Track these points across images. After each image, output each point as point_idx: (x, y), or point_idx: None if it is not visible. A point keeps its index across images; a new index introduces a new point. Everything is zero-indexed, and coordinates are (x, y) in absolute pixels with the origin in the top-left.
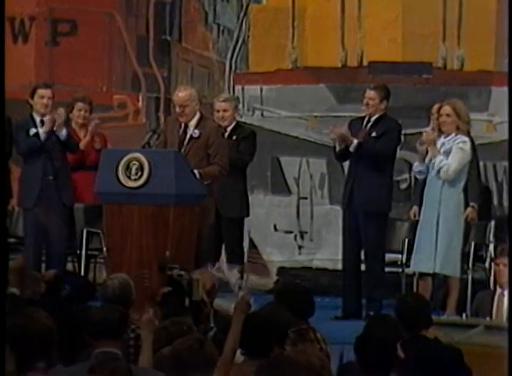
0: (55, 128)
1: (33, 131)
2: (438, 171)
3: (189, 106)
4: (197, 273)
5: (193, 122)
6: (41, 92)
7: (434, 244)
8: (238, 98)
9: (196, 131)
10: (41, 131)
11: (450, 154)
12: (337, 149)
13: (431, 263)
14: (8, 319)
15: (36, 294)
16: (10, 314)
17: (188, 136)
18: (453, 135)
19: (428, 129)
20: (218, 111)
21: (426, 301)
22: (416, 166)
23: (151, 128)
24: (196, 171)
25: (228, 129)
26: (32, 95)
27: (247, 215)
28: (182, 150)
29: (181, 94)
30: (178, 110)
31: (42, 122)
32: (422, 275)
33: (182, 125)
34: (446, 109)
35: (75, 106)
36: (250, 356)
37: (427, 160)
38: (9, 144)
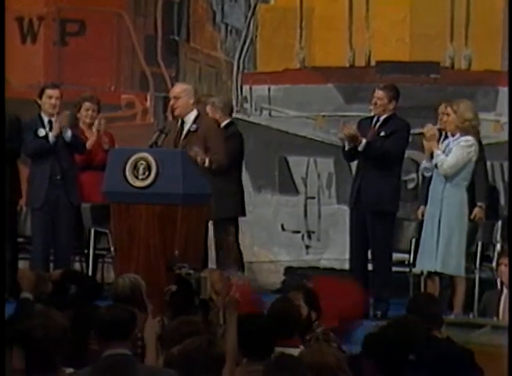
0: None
1: (41, 132)
2: (436, 166)
3: (181, 99)
4: (206, 272)
5: (190, 118)
6: (49, 92)
7: (436, 242)
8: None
9: (194, 125)
10: (51, 134)
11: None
12: (346, 148)
13: (433, 262)
14: (22, 321)
15: (43, 294)
16: (24, 317)
17: (185, 131)
18: (458, 135)
19: (429, 125)
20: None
21: (437, 302)
22: (423, 163)
23: (159, 127)
24: (206, 159)
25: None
26: (40, 96)
27: (242, 214)
28: (180, 145)
29: (176, 88)
30: (171, 102)
31: (50, 122)
32: (430, 274)
33: (179, 122)
34: (442, 107)
35: (83, 105)
36: (252, 358)
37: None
38: (18, 143)
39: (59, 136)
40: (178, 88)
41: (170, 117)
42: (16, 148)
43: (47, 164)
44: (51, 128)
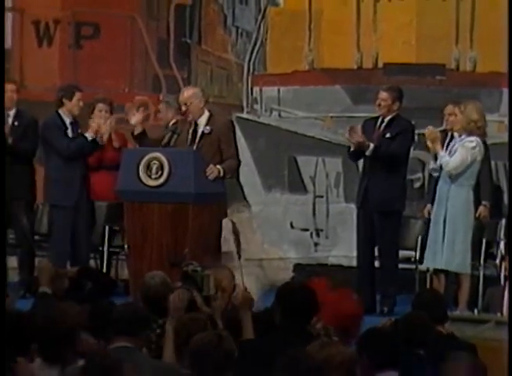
0: (94, 134)
1: (70, 132)
2: (441, 167)
3: (192, 104)
4: (212, 269)
5: (203, 120)
6: (79, 94)
7: (441, 240)
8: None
9: (208, 127)
10: (89, 135)
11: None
12: (352, 149)
13: (438, 259)
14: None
15: (59, 290)
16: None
17: (199, 133)
18: (464, 135)
19: (430, 127)
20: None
21: (442, 297)
22: (431, 164)
23: (171, 128)
24: (219, 167)
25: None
26: (70, 97)
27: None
28: (195, 147)
29: (185, 93)
30: (183, 109)
31: (71, 124)
32: (435, 271)
33: (192, 124)
34: (449, 108)
35: (96, 107)
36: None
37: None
38: (35, 144)
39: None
40: (187, 94)
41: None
42: (34, 148)
43: (77, 164)
44: (73, 129)
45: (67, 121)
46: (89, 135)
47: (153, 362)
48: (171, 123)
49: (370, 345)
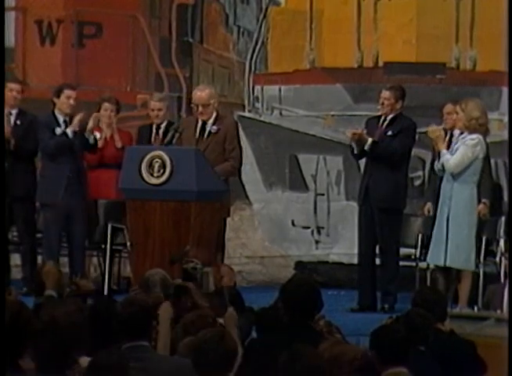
0: (82, 130)
1: (58, 130)
2: (443, 165)
3: (210, 105)
4: (212, 267)
5: (211, 120)
6: (68, 92)
7: (445, 238)
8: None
9: (215, 126)
10: (69, 130)
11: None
12: (356, 151)
13: (442, 257)
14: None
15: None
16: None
17: (206, 132)
18: (466, 133)
19: (434, 126)
20: (153, 110)
21: (442, 295)
22: (435, 163)
23: (173, 126)
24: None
25: (162, 126)
26: (58, 95)
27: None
28: (201, 145)
29: (203, 94)
30: (200, 109)
31: (65, 122)
32: (436, 268)
33: (200, 123)
34: (448, 107)
35: (102, 106)
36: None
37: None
38: (36, 142)
39: (77, 134)
40: (205, 95)
41: (184, 116)
42: (36, 147)
43: (65, 161)
44: (66, 127)
45: (61, 119)
46: (70, 131)
47: (168, 359)
48: (167, 121)
49: (380, 341)
